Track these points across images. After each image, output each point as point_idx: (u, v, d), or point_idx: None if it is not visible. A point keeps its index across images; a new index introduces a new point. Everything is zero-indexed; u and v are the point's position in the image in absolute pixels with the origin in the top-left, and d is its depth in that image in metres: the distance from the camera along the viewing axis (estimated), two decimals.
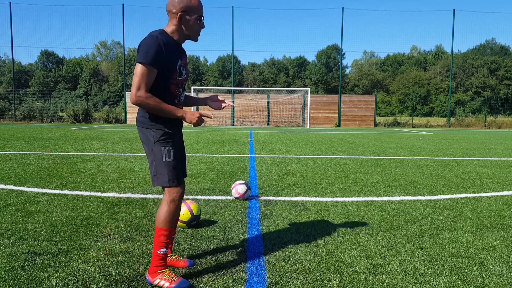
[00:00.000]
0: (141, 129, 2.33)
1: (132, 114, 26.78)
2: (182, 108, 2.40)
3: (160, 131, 2.28)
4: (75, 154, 8.34)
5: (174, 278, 2.28)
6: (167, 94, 2.30)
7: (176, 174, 2.31)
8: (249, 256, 2.71)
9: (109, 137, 13.30)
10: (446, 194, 4.79)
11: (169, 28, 2.31)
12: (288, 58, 73.95)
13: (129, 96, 26.94)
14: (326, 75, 69.68)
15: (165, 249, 2.30)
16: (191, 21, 2.30)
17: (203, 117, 2.28)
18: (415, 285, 2.31)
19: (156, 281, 2.26)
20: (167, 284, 2.25)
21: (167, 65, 2.22)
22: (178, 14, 2.26)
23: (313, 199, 4.45)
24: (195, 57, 72.19)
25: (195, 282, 2.31)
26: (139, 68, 2.14)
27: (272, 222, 3.51)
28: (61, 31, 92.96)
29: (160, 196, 4.46)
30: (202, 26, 2.37)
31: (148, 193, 4.60)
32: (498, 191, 5.01)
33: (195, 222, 3.31)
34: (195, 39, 2.40)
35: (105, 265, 2.52)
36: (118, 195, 4.51)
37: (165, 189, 2.31)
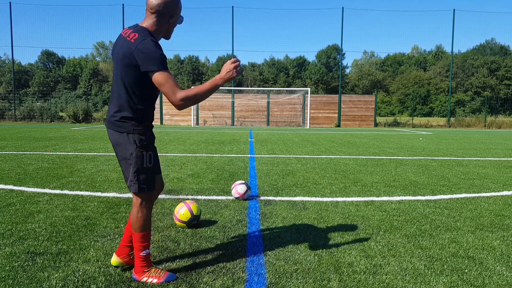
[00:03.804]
0: (117, 133, 2.22)
1: None
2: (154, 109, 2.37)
3: (142, 136, 2.22)
4: (75, 154, 8.34)
5: (161, 273, 2.32)
6: (153, 96, 2.27)
7: (153, 179, 2.30)
8: (249, 256, 2.71)
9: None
10: (446, 194, 4.79)
11: (152, 27, 2.21)
12: (288, 58, 73.97)
13: None
14: (326, 75, 69.67)
15: (147, 250, 2.33)
16: (176, 22, 2.29)
17: (236, 65, 2.14)
18: (415, 285, 2.31)
19: (144, 279, 2.30)
20: (155, 280, 2.28)
21: None
22: (173, 17, 2.23)
23: (313, 199, 4.45)
24: (194, 57, 72.20)
25: (195, 282, 2.31)
26: (165, 77, 2.06)
27: (272, 222, 3.51)
28: (61, 31, 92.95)
29: (161, 196, 4.46)
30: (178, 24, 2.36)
31: None
32: (498, 191, 5.01)
33: (195, 222, 3.31)
34: (169, 38, 2.35)
35: (105, 265, 2.52)
36: (118, 195, 4.51)
37: (140, 194, 2.27)
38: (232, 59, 2.14)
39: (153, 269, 2.33)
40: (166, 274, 2.33)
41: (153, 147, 2.32)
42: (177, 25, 2.35)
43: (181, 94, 2.05)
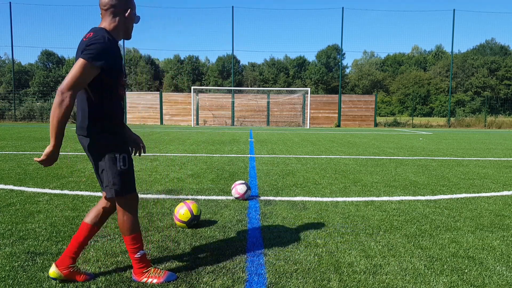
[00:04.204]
0: (86, 138, 2.16)
1: (132, 114, 26.78)
2: (123, 110, 2.30)
3: (112, 138, 2.17)
4: (75, 154, 8.34)
5: (161, 273, 2.31)
6: (115, 97, 2.19)
7: (131, 180, 2.26)
8: (249, 256, 2.71)
9: None
10: (446, 194, 4.79)
11: (109, 25, 2.17)
12: (288, 58, 73.98)
13: (129, 96, 26.96)
14: (326, 75, 69.68)
15: (141, 251, 2.31)
16: (134, 19, 2.25)
17: (44, 161, 2.02)
18: (415, 285, 2.31)
19: (143, 280, 2.29)
20: (155, 280, 2.28)
21: (116, 68, 2.13)
22: (127, 10, 2.18)
23: (313, 199, 4.45)
24: (194, 57, 72.21)
25: (195, 282, 2.31)
26: (83, 65, 1.99)
27: (272, 222, 3.51)
28: (61, 31, 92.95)
29: (161, 196, 4.46)
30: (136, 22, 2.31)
31: (148, 193, 4.60)
32: (498, 191, 5.01)
33: (195, 222, 3.31)
34: (130, 37, 2.30)
35: (105, 265, 2.52)
36: None
37: (120, 197, 2.23)
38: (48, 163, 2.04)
39: (152, 269, 2.33)
40: (166, 273, 2.33)
41: (127, 149, 2.26)
42: (135, 24, 2.30)
43: (72, 91, 1.98)
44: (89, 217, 2.33)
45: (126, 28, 2.24)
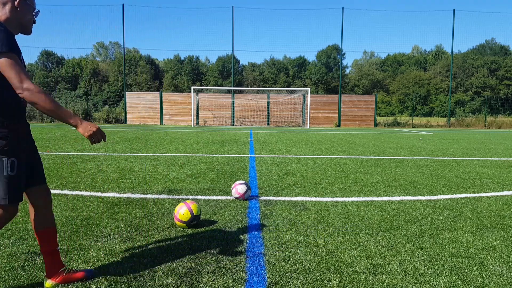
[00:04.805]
0: None
1: (131, 114, 26.78)
2: (24, 107, 2.12)
3: (1, 140, 1.96)
4: (75, 154, 8.33)
5: None
6: (12, 91, 1.98)
7: (16, 190, 2.03)
8: (249, 256, 2.71)
9: (109, 137, 13.30)
10: (446, 194, 4.79)
11: (1, 17, 2.01)
12: (288, 58, 73.99)
13: (129, 96, 26.96)
14: (326, 75, 69.66)
15: None
16: (28, 10, 2.09)
17: (99, 135, 2.00)
18: (415, 285, 2.31)
19: None
20: None
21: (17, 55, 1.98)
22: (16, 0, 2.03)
23: (313, 199, 4.45)
24: (194, 57, 72.20)
25: (195, 282, 2.31)
26: (5, 60, 1.87)
27: (272, 222, 3.51)
28: (60, 31, 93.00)
29: (161, 196, 4.46)
30: (35, 18, 2.17)
31: (148, 193, 4.60)
32: (498, 191, 5.01)
33: (195, 222, 3.31)
34: (29, 32, 2.15)
35: (105, 265, 2.52)
36: (118, 195, 4.51)
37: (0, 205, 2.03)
38: (101, 137, 2.03)
39: None
40: None
41: (19, 153, 2.04)
42: (35, 18, 2.17)
43: (28, 84, 1.89)
44: (33, 225, 2.23)
45: (18, 19, 2.07)
